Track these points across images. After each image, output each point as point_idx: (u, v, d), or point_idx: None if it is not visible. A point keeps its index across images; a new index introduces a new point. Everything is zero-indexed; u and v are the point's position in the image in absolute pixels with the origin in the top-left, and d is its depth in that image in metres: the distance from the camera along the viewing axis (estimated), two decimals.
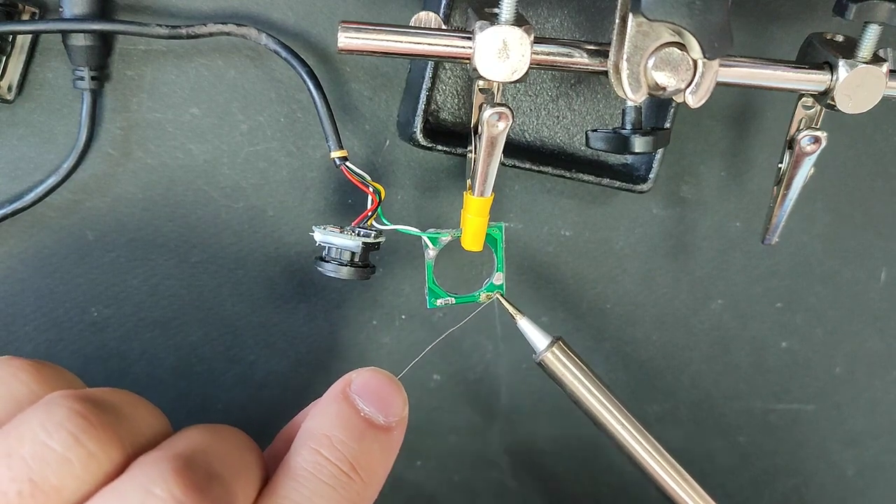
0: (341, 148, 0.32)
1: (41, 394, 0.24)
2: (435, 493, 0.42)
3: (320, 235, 0.32)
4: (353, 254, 0.32)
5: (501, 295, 0.35)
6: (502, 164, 0.31)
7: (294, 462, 0.26)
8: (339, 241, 0.32)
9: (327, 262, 0.32)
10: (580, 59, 0.29)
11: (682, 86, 0.29)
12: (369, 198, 0.32)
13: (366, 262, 0.32)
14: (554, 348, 0.33)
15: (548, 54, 0.29)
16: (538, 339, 0.34)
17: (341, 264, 0.32)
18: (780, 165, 0.34)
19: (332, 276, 0.32)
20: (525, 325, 0.34)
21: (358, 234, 0.32)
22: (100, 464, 0.22)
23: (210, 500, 0.22)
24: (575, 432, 0.42)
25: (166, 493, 0.22)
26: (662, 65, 0.28)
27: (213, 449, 0.25)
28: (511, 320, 0.34)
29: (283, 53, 0.32)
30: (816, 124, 0.33)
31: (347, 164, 0.32)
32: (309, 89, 0.32)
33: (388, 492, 0.41)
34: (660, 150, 0.35)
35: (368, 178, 0.32)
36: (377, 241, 0.32)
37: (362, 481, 0.26)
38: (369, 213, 0.32)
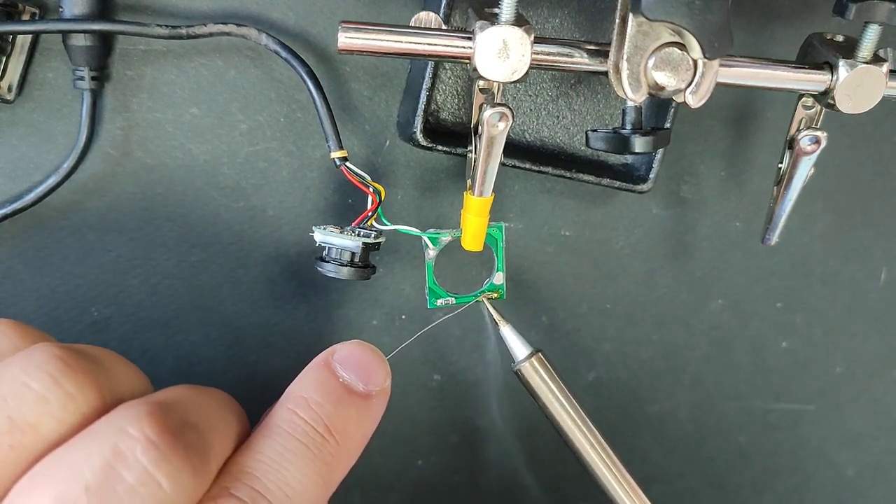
0: (341, 148, 0.32)
1: (23, 347, 0.24)
2: (435, 493, 0.42)
3: (320, 236, 0.32)
4: (353, 254, 0.32)
5: (488, 300, 0.35)
6: (502, 164, 0.31)
7: (271, 421, 0.26)
8: (339, 241, 0.32)
9: (327, 262, 0.32)
10: (580, 59, 0.29)
11: (682, 86, 0.29)
12: (369, 198, 0.32)
13: (366, 262, 0.32)
14: (533, 360, 0.34)
15: (548, 54, 0.29)
16: (518, 348, 0.34)
17: (341, 264, 0.32)
18: (780, 165, 0.34)
19: (333, 276, 0.32)
20: (508, 332, 0.34)
21: (358, 235, 0.32)
22: (77, 405, 0.23)
23: (183, 444, 0.23)
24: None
25: (139, 433, 0.22)
26: (662, 65, 0.28)
27: (192, 402, 0.25)
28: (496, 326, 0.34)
29: (283, 53, 0.32)
30: (816, 124, 0.33)
31: (347, 164, 0.32)
32: (309, 89, 0.32)
33: (388, 491, 0.41)
34: (660, 150, 0.35)
35: (368, 178, 0.32)
36: (377, 241, 0.32)
37: (336, 443, 0.26)
38: (369, 214, 0.32)
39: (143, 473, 0.22)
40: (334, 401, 0.27)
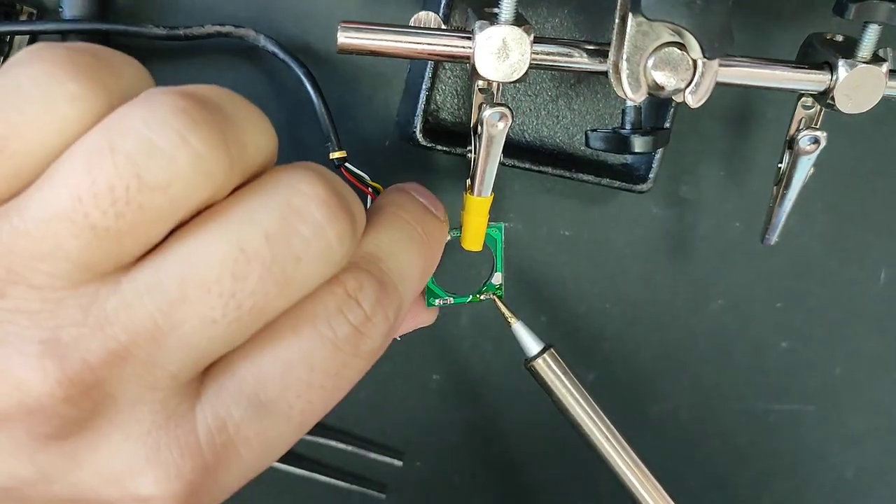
0: (340, 149, 0.32)
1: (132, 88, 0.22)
2: (435, 492, 0.42)
3: None
4: None
5: (498, 297, 0.35)
6: (502, 164, 0.31)
7: (376, 218, 0.27)
8: None
9: None
10: (580, 58, 0.29)
11: (682, 85, 0.29)
12: (368, 198, 0.32)
13: None
14: (545, 355, 0.34)
15: (547, 54, 0.29)
16: (530, 344, 0.34)
17: None
18: (779, 165, 0.34)
19: None
20: (519, 329, 0.34)
21: None
22: (207, 167, 0.21)
23: (348, 208, 0.23)
24: (574, 434, 0.42)
25: (311, 191, 0.22)
26: (662, 64, 0.28)
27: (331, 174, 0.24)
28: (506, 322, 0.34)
29: (281, 54, 0.32)
30: (816, 124, 0.33)
31: (346, 164, 0.32)
32: (308, 90, 0.32)
33: (388, 491, 0.41)
34: (659, 150, 0.35)
35: (367, 178, 0.32)
36: None
37: (430, 246, 0.28)
38: None
39: (317, 228, 0.22)
40: (422, 212, 0.28)
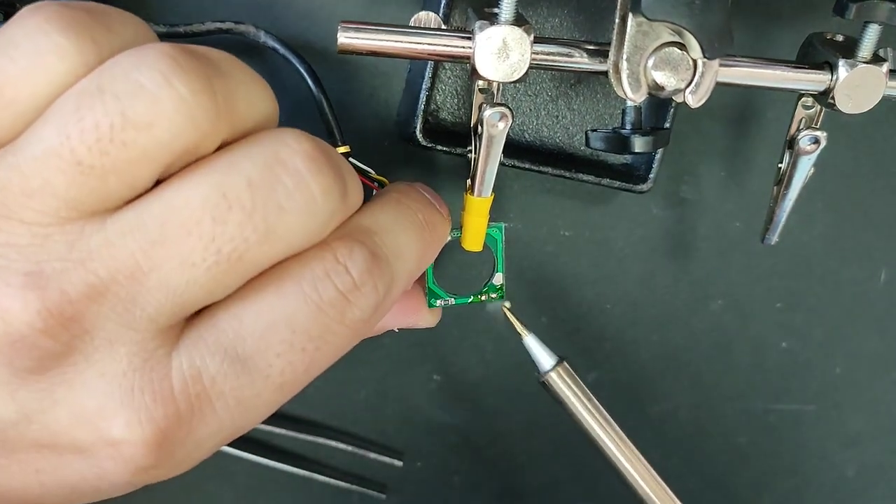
0: (343, 143, 0.32)
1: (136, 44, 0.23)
2: (435, 493, 0.42)
3: None
4: None
5: (509, 309, 0.34)
6: (502, 164, 0.31)
7: (380, 198, 0.28)
8: None
9: None
10: (580, 58, 0.29)
11: (682, 85, 0.29)
12: (374, 192, 0.32)
13: None
14: (559, 369, 0.33)
15: (548, 54, 0.29)
16: (543, 358, 0.34)
17: None
18: (780, 165, 0.34)
19: None
20: (532, 342, 0.34)
21: None
22: (191, 111, 0.21)
23: (336, 165, 0.24)
24: (575, 435, 0.42)
25: (298, 146, 0.23)
26: (662, 64, 0.28)
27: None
28: (515, 333, 0.34)
29: (282, 50, 0.32)
30: (816, 124, 0.33)
31: (351, 159, 0.32)
32: (308, 85, 0.32)
33: (388, 492, 0.41)
34: (659, 150, 0.35)
35: (372, 172, 0.32)
36: None
37: (430, 233, 0.28)
38: None
39: (301, 180, 0.22)
40: (425, 202, 0.29)
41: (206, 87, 0.22)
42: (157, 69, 0.21)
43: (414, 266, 0.27)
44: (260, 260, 0.23)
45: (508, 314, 0.34)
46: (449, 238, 0.34)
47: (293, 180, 0.22)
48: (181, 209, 0.22)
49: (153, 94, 0.21)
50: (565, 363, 0.34)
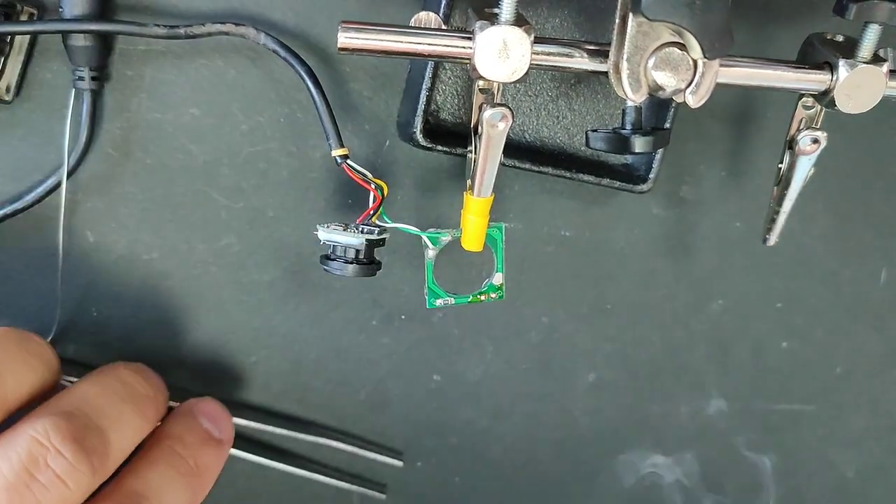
0: (342, 146, 0.32)
1: None
2: (435, 493, 0.42)
3: (324, 233, 0.32)
4: (357, 251, 0.32)
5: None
6: (502, 164, 0.31)
7: (152, 453, 0.32)
8: (343, 238, 0.32)
9: (332, 260, 0.32)
10: (580, 59, 0.29)
11: (682, 86, 0.29)
12: (371, 195, 0.32)
13: (371, 258, 0.32)
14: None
15: (548, 54, 0.29)
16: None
17: (346, 262, 0.32)
18: (780, 165, 0.34)
19: (339, 274, 0.32)
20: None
21: (361, 232, 0.32)
22: None
23: (85, 449, 0.28)
24: (574, 434, 0.42)
25: (48, 443, 0.27)
26: (662, 65, 0.28)
27: (95, 403, 0.29)
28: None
29: (282, 53, 0.32)
30: (816, 124, 0.33)
31: (349, 161, 0.32)
32: (308, 88, 0.32)
33: (388, 492, 0.41)
34: (660, 150, 0.35)
35: (370, 175, 0.32)
36: (381, 237, 0.32)
37: (201, 476, 0.32)
38: (372, 211, 0.32)
39: (52, 477, 0.27)
40: (200, 441, 0.33)
41: None
42: None
43: None
44: None
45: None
46: (449, 238, 0.34)
47: (46, 478, 0.27)
48: None
49: None
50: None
